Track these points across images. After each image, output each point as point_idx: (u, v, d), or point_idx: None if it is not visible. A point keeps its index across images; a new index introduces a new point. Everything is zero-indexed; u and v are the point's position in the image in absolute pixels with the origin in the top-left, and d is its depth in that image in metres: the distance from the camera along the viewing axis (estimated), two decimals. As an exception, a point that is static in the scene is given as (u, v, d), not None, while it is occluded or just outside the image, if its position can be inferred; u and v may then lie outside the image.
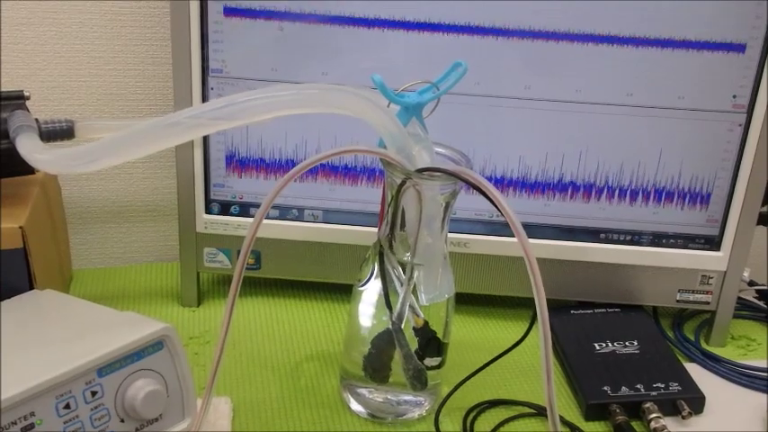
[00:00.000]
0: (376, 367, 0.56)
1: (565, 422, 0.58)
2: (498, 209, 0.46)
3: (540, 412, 0.59)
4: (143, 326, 0.45)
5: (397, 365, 0.56)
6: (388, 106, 0.49)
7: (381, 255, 0.55)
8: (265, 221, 0.68)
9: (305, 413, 0.58)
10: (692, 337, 0.71)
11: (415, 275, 0.54)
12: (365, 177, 0.66)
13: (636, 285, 0.69)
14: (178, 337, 0.46)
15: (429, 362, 0.57)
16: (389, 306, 0.55)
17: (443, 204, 0.52)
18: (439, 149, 0.53)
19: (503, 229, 0.67)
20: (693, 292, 0.69)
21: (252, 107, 0.42)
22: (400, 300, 0.54)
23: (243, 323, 0.68)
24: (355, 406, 0.59)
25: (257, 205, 0.67)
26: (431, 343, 0.56)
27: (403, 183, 0.50)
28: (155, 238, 0.80)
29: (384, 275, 0.55)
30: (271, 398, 0.59)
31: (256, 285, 0.74)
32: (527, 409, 0.60)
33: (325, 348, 0.66)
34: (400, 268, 0.55)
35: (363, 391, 0.58)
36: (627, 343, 0.66)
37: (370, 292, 0.56)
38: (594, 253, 0.68)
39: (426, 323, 0.56)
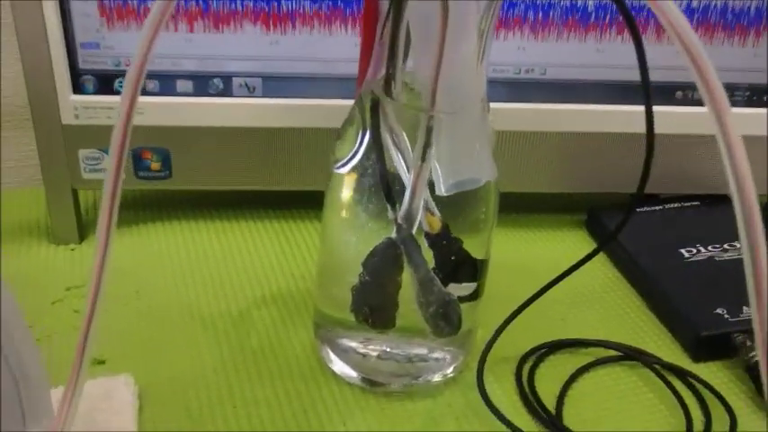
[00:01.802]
0: (375, 305, 0.34)
1: (673, 369, 0.38)
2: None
3: (626, 354, 0.39)
4: None
5: (405, 302, 0.34)
6: None
7: (376, 108, 0.32)
8: (174, 100, 0.44)
9: (262, 387, 0.35)
10: (795, 235, 0.51)
11: (433, 142, 0.31)
12: (329, 16, 0.42)
13: (721, 166, 0.49)
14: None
15: (455, 289, 0.35)
16: (391, 199, 0.32)
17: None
18: None
19: (538, 90, 0.45)
20: (800, 170, 0.49)
21: None
22: (409, 186, 0.32)
23: (150, 259, 0.44)
24: (341, 367, 0.36)
25: (158, 74, 0.43)
26: (465, 260, 0.34)
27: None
28: (8, 154, 0.54)
29: (380, 146, 0.32)
30: (204, 369, 0.36)
31: (168, 203, 0.49)
32: (604, 351, 0.39)
33: (283, 287, 0.43)
34: (404, 135, 0.32)
35: (351, 342, 0.36)
36: (726, 246, 0.45)
37: (356, 178, 0.33)
38: (668, 121, 0.47)
39: (446, 227, 0.34)
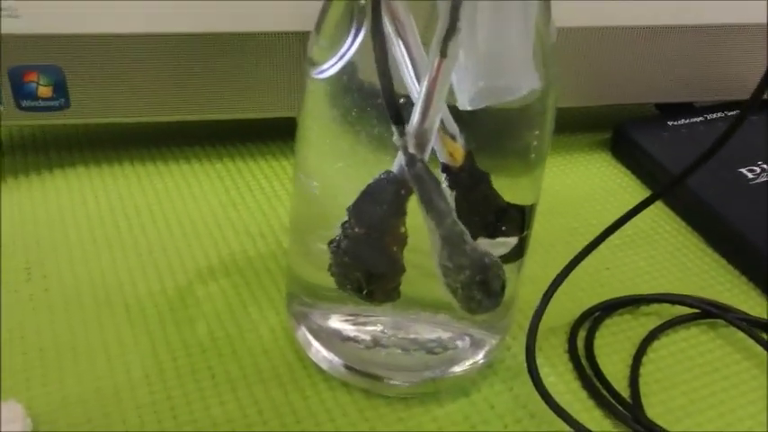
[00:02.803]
0: (374, 269, 0.23)
1: (766, 326, 0.29)
2: None
3: (703, 311, 0.29)
4: None
5: (410, 263, 0.23)
6: None
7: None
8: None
9: (219, 401, 0.24)
10: None
11: (461, 26, 0.20)
12: None
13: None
14: None
15: (490, 245, 0.24)
16: (396, 115, 0.21)
17: None
18: None
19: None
20: None
21: None
22: (421, 96, 0.21)
23: (44, 223, 0.32)
24: (324, 355, 0.26)
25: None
26: (501, 205, 0.24)
27: None
28: None
29: (382, 35, 0.21)
30: (131, 379, 0.25)
31: (67, 143, 0.36)
32: (671, 309, 0.29)
33: (237, 251, 0.31)
34: (413, 21, 0.21)
35: (337, 323, 0.26)
36: (794, 161, 0.36)
37: (346, 87, 0.22)
38: (703, 8, 0.37)
39: (471, 156, 0.23)
